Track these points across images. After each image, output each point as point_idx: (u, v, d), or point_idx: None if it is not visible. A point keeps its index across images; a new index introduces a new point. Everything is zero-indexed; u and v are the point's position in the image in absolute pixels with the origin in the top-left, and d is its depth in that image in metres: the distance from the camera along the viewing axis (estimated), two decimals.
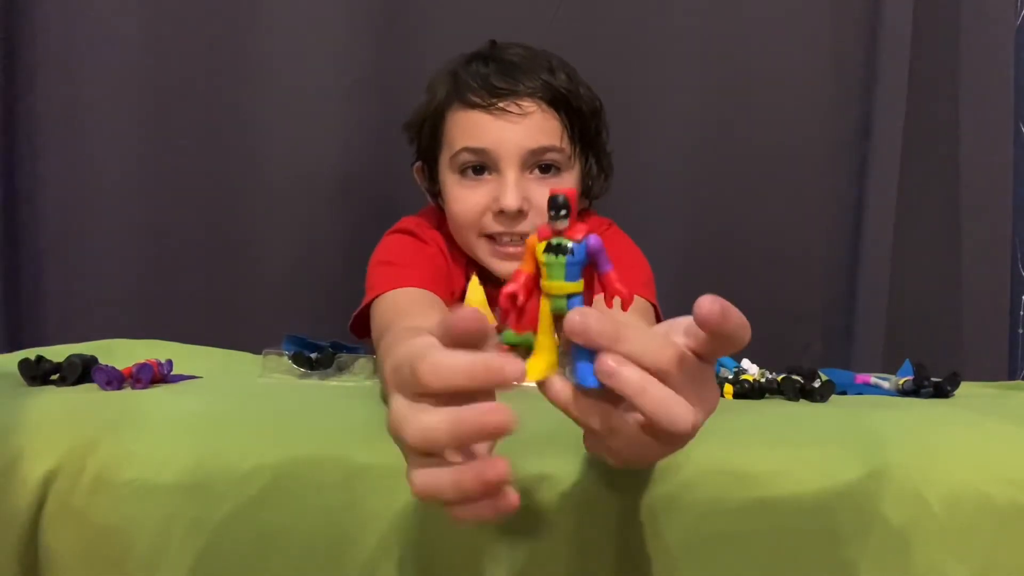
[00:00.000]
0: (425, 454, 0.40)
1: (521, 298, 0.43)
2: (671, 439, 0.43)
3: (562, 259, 0.42)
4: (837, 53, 1.36)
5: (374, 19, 1.33)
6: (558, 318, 0.42)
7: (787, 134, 1.37)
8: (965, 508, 0.56)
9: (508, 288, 0.43)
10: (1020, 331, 1.42)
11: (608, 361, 0.40)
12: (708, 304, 0.42)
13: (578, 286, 0.42)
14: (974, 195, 1.39)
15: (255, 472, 0.55)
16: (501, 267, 0.89)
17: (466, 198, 0.89)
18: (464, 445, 0.40)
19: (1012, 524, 0.56)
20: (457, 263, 0.94)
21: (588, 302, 0.43)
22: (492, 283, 0.93)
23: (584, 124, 0.91)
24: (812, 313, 1.38)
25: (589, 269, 0.43)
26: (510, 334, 0.44)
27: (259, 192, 1.34)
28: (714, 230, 1.37)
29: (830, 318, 1.38)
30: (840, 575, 0.55)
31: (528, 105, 0.87)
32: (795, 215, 1.38)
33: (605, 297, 0.43)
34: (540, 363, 0.44)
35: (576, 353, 0.42)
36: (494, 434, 0.39)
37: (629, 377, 0.40)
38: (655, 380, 0.40)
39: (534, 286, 0.43)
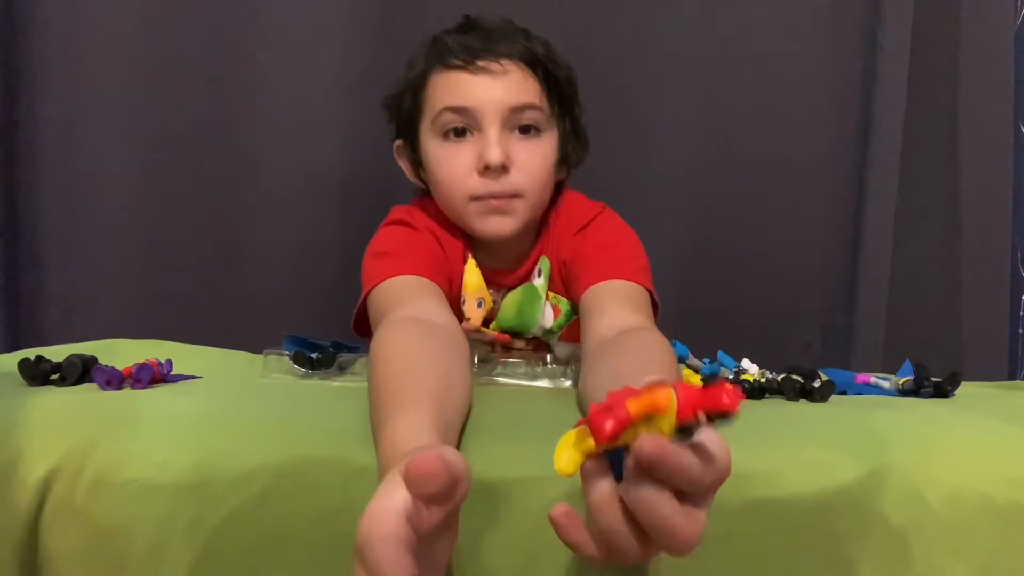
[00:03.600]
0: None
1: (611, 433, 0.42)
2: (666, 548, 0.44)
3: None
4: (837, 53, 1.36)
5: (374, 20, 1.33)
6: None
7: (787, 134, 1.37)
8: (965, 508, 0.56)
9: (608, 425, 0.42)
10: (1020, 331, 1.42)
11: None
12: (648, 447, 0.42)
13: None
14: (974, 195, 1.39)
15: (255, 472, 0.55)
16: (488, 224, 0.88)
17: (450, 159, 0.88)
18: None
19: (1012, 524, 0.57)
20: (453, 247, 0.94)
21: None
22: (488, 264, 0.94)
23: (561, 90, 0.92)
24: (812, 313, 1.38)
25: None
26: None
27: (259, 192, 1.34)
28: (714, 230, 1.37)
29: (830, 318, 1.38)
30: (840, 575, 0.55)
31: (508, 64, 0.88)
32: (795, 215, 1.38)
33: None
34: (575, 457, 0.45)
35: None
36: None
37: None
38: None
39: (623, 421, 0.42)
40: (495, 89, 0.87)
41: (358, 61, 1.33)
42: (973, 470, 0.58)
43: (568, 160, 0.96)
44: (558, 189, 0.97)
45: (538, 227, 0.95)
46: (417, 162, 0.95)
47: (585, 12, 1.35)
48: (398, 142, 0.99)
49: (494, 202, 0.87)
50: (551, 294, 0.95)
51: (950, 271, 1.40)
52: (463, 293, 0.94)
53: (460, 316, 0.93)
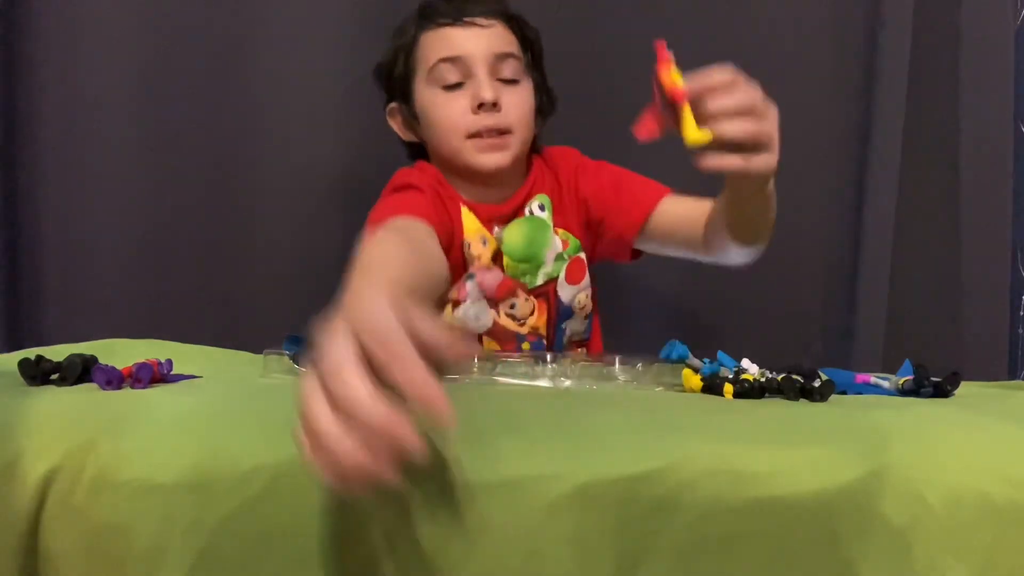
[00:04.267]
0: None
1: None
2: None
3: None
4: (837, 53, 1.36)
5: (374, 20, 1.33)
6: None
7: (787, 134, 1.37)
8: (965, 508, 0.56)
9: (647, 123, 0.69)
10: (1020, 331, 1.42)
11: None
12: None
13: None
14: (974, 195, 1.39)
15: (255, 472, 0.55)
16: (486, 160, 1.02)
17: (447, 104, 1.01)
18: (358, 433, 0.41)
19: (1012, 524, 0.56)
20: (451, 198, 1.05)
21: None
22: (482, 200, 1.07)
23: (532, 47, 1.07)
24: (812, 313, 1.38)
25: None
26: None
27: (259, 192, 1.34)
28: None
29: (830, 318, 1.38)
30: (840, 575, 0.55)
31: (490, 19, 1.02)
32: (795, 215, 1.38)
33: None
34: (696, 131, 0.66)
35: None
36: (392, 445, 0.40)
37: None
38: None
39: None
40: (481, 39, 1.01)
41: (358, 61, 1.33)
42: (973, 470, 0.58)
43: (542, 111, 1.09)
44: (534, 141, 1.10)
45: (524, 169, 1.09)
46: (413, 117, 1.07)
47: (585, 10, 1.35)
48: (392, 105, 1.10)
49: (489, 139, 1.01)
50: (560, 230, 1.08)
51: (950, 271, 1.40)
52: (465, 237, 1.05)
53: (465, 264, 1.04)
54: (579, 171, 1.10)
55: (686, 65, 1.38)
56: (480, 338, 1.07)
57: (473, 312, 1.05)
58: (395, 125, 1.11)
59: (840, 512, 0.56)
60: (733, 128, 0.72)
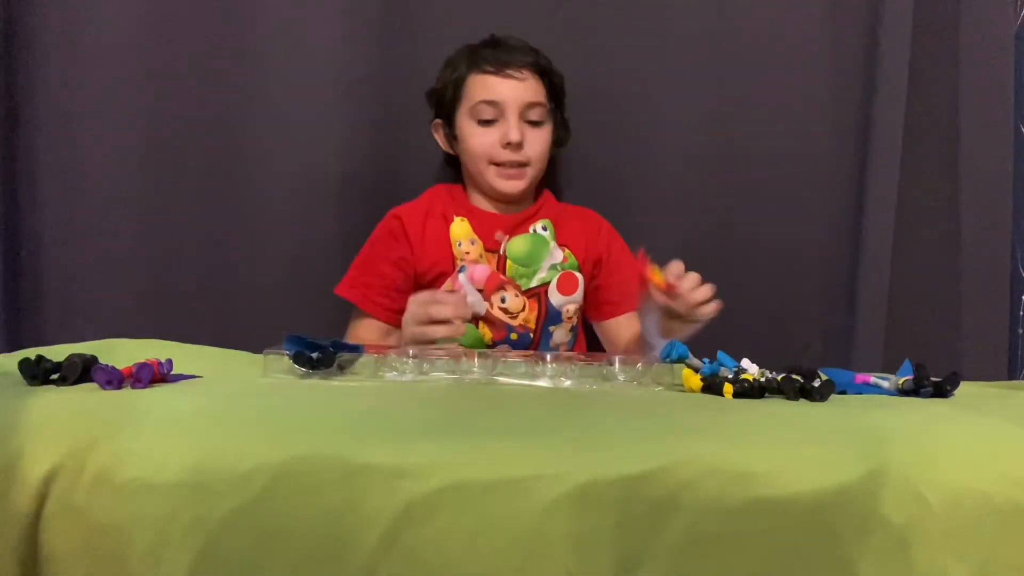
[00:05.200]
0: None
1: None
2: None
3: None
4: (837, 53, 1.36)
5: (374, 19, 1.33)
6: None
7: (787, 134, 1.37)
8: (965, 508, 0.56)
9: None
10: (1020, 331, 1.42)
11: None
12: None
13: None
14: (974, 195, 1.39)
15: (255, 472, 0.55)
16: (506, 185, 1.24)
17: (481, 135, 1.23)
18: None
19: (1012, 524, 0.57)
20: (447, 214, 1.26)
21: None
22: (492, 209, 1.28)
23: (557, 93, 1.27)
24: (812, 313, 1.38)
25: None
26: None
27: (259, 192, 1.34)
28: (714, 230, 1.37)
29: (830, 318, 1.38)
30: (840, 575, 0.55)
31: (525, 72, 1.23)
32: (795, 215, 1.38)
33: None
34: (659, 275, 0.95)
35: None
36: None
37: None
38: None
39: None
40: (517, 89, 1.22)
41: (358, 61, 1.33)
42: (973, 470, 0.58)
43: (559, 143, 1.30)
44: (551, 163, 1.32)
45: (534, 193, 1.31)
46: (453, 137, 1.28)
47: (585, 12, 1.35)
48: (437, 121, 1.29)
49: (511, 171, 1.23)
50: (565, 249, 1.27)
51: (950, 271, 1.40)
52: (455, 239, 1.24)
53: (452, 263, 1.23)
54: (606, 232, 1.31)
55: (686, 67, 1.39)
56: (476, 322, 1.21)
57: (470, 301, 1.19)
58: (438, 138, 1.30)
59: (840, 512, 0.56)
60: (706, 309, 1.02)
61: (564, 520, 0.54)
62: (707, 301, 1.01)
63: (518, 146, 1.22)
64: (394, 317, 1.22)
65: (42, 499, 0.55)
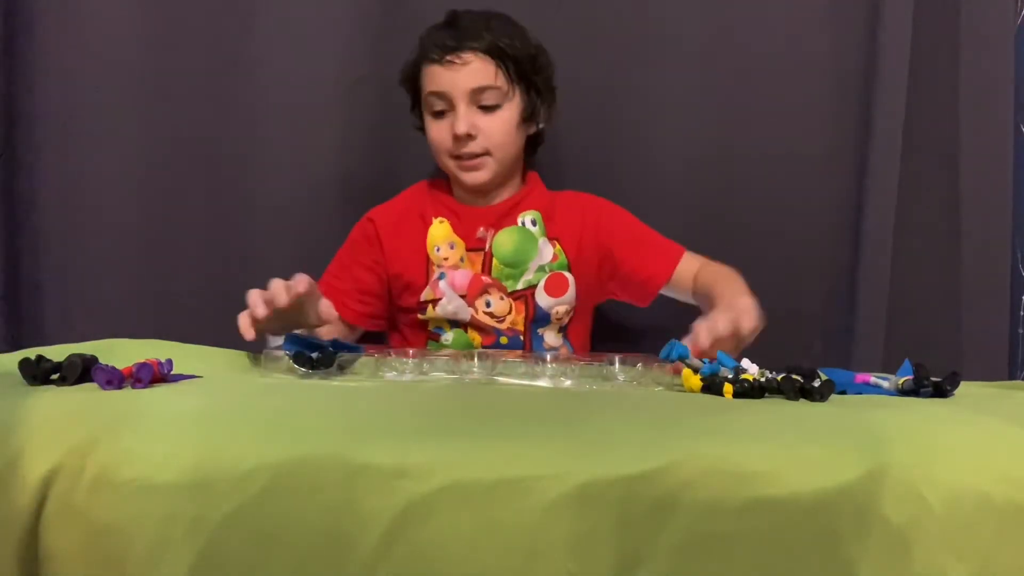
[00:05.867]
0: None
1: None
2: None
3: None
4: (837, 53, 1.36)
5: (374, 20, 1.34)
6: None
7: (787, 133, 1.37)
8: (965, 508, 0.56)
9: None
10: (1020, 331, 1.42)
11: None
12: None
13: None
14: (974, 195, 1.39)
15: (255, 472, 0.55)
16: (467, 177, 1.18)
17: (435, 130, 1.19)
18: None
19: (1012, 524, 0.57)
20: (425, 214, 1.23)
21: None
22: (472, 202, 1.23)
23: (518, 68, 1.17)
24: (812, 313, 1.38)
25: None
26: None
27: (259, 192, 1.34)
28: (714, 230, 1.37)
29: (830, 318, 1.38)
30: (840, 575, 0.55)
31: (468, 56, 1.15)
32: (795, 215, 1.38)
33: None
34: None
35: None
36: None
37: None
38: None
39: None
40: (459, 75, 1.15)
41: (358, 61, 1.33)
42: (973, 470, 0.58)
43: (535, 116, 1.21)
44: (535, 146, 1.26)
45: (517, 180, 1.25)
46: (422, 128, 1.23)
47: (585, 12, 1.35)
48: (415, 111, 1.24)
49: (468, 161, 1.17)
50: (556, 245, 1.21)
51: (950, 271, 1.40)
52: (432, 243, 1.20)
53: (427, 268, 1.20)
54: (605, 217, 1.24)
55: (686, 67, 1.39)
56: (465, 327, 1.19)
57: (451, 308, 1.18)
58: (415, 125, 1.25)
59: (840, 512, 0.56)
60: (746, 328, 0.92)
61: (564, 520, 0.54)
62: (740, 327, 0.91)
63: (468, 137, 1.15)
64: (365, 320, 1.23)
65: (42, 499, 0.55)
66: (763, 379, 0.78)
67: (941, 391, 0.83)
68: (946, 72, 1.38)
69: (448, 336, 1.20)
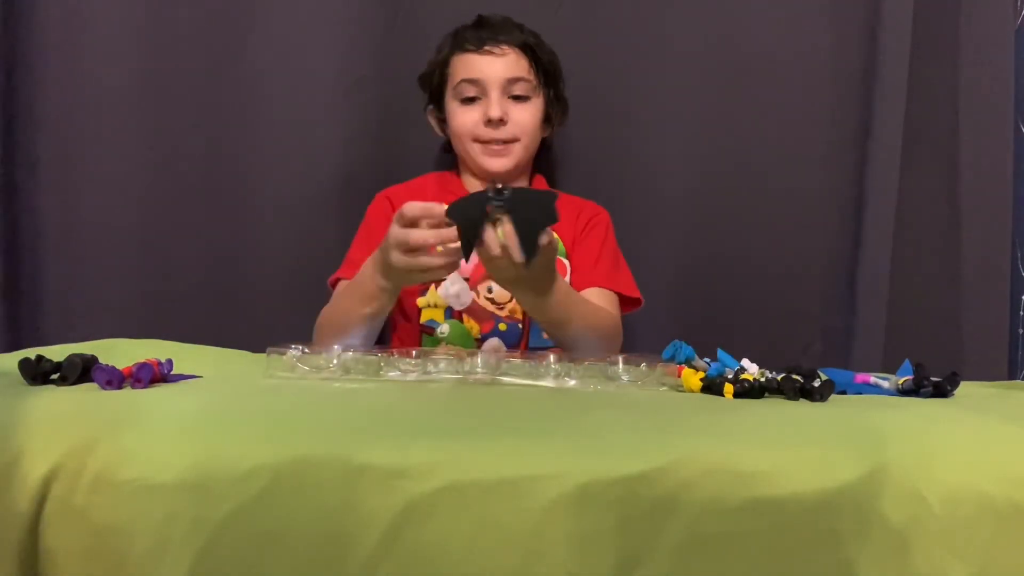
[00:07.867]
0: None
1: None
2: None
3: None
4: (837, 53, 1.36)
5: (374, 20, 1.34)
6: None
7: (787, 133, 1.37)
8: (965, 508, 0.56)
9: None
10: (1020, 331, 1.42)
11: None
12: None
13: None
14: (974, 195, 1.39)
15: (255, 472, 0.55)
16: (491, 163, 1.22)
17: (464, 114, 1.23)
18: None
19: (1012, 524, 0.57)
20: (441, 194, 1.23)
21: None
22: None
23: (545, 69, 1.25)
24: (812, 313, 1.38)
25: None
26: None
27: (259, 192, 1.34)
28: (714, 230, 1.37)
29: (830, 318, 1.38)
30: (840, 575, 0.55)
31: (506, 48, 1.21)
32: (795, 216, 1.38)
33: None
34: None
35: None
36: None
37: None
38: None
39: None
40: (496, 65, 1.21)
41: (358, 61, 1.33)
42: (973, 470, 0.58)
43: (551, 120, 1.28)
44: (547, 147, 1.32)
45: (528, 174, 1.30)
46: (442, 120, 1.27)
47: (584, 12, 1.35)
48: (430, 107, 1.29)
49: (494, 146, 1.22)
50: (555, 234, 1.15)
51: (950, 271, 1.40)
52: None
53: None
54: (593, 219, 1.27)
55: (687, 67, 1.39)
56: (461, 316, 1.19)
57: (454, 290, 1.19)
58: (432, 123, 1.29)
59: (840, 512, 0.56)
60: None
61: (564, 520, 0.54)
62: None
63: (500, 122, 1.20)
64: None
65: (42, 499, 0.55)
66: (763, 379, 0.78)
67: (941, 391, 0.83)
68: (946, 72, 1.38)
69: (444, 328, 1.19)
